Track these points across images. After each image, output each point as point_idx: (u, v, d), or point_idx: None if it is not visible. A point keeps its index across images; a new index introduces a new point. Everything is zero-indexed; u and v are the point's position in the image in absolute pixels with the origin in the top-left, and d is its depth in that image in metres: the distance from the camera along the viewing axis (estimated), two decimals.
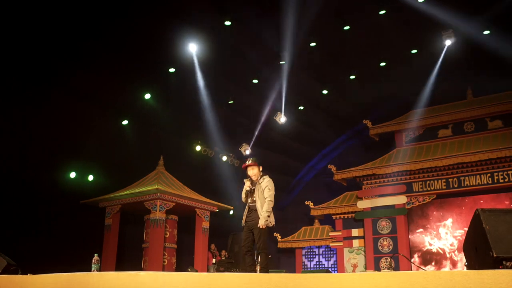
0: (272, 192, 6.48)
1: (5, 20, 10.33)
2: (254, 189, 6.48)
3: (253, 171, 6.58)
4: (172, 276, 4.07)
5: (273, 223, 6.49)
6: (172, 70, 13.90)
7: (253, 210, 6.43)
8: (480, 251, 3.19)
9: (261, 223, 6.25)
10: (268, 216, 6.35)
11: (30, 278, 4.92)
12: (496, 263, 3.00)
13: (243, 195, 6.60)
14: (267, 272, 6.12)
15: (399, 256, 14.61)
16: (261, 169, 6.68)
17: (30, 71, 11.51)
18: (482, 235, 3.14)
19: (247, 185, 6.53)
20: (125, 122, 14.34)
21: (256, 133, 17.07)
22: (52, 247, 11.91)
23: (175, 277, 4.02)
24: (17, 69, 11.30)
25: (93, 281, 4.44)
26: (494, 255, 3.01)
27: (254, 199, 6.43)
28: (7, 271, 5.60)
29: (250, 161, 6.63)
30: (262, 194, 6.41)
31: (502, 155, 14.15)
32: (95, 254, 5.56)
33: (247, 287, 3.52)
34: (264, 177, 6.59)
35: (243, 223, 6.53)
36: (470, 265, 3.40)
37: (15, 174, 12.00)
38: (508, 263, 2.99)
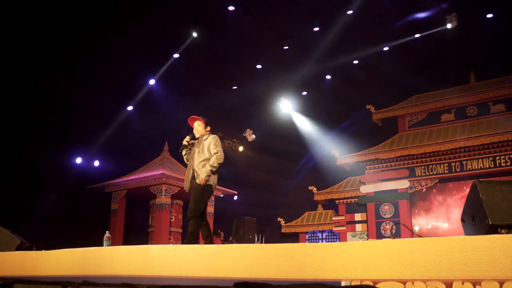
0: (220, 148, 5.98)
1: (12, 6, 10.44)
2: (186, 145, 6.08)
3: (197, 127, 6.15)
4: (182, 249, 4.23)
5: (215, 184, 5.98)
6: (176, 55, 14.00)
7: (191, 171, 5.97)
8: (476, 220, 3.34)
9: (202, 177, 5.75)
10: (212, 172, 5.83)
11: (44, 253, 5.11)
12: (492, 230, 3.15)
13: (183, 152, 6.14)
14: (195, 243, 5.68)
15: (401, 229, 14.80)
16: (208, 129, 6.24)
17: (35, 57, 11.63)
18: (479, 205, 3.29)
19: (186, 138, 6.10)
20: (130, 108, 14.49)
21: (259, 118, 17.19)
22: (59, 232, 12.14)
23: (185, 250, 4.18)
24: (22, 55, 11.42)
25: (107, 255, 4.61)
26: (490, 223, 3.16)
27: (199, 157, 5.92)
28: (20, 248, 5.80)
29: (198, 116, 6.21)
30: (204, 152, 5.94)
31: (504, 139, 14.21)
32: (107, 231, 5.74)
33: (254, 257, 3.68)
34: (207, 134, 6.15)
35: (187, 188, 6.01)
36: (468, 234, 3.56)
37: (22, 160, 12.20)
38: (502, 230, 3.14)
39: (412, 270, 3.04)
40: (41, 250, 5.59)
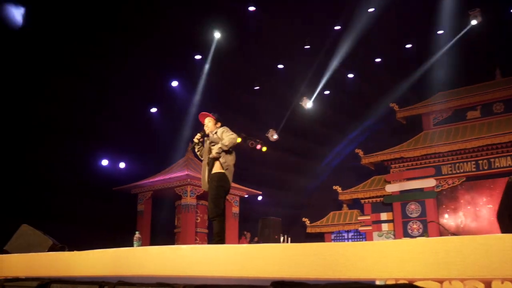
0: (232, 133, 5.80)
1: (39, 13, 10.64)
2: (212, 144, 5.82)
3: (208, 123, 5.97)
4: (212, 249, 4.25)
5: (230, 178, 5.79)
6: (198, 57, 14.08)
7: (210, 167, 5.77)
8: None
9: (213, 152, 5.62)
10: (225, 152, 5.67)
11: (77, 254, 5.18)
12: None
13: (195, 149, 6.00)
14: (223, 243, 5.52)
15: (428, 228, 14.64)
16: (218, 125, 6.01)
17: (61, 62, 11.84)
18: None
19: (197, 136, 5.92)
20: (154, 110, 14.63)
21: (282, 118, 17.17)
22: (87, 233, 12.30)
23: (215, 250, 4.19)
24: (48, 60, 11.63)
25: (138, 255, 4.66)
26: None
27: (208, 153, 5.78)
28: (53, 249, 5.89)
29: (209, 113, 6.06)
30: (216, 144, 5.73)
31: None
32: (137, 232, 5.79)
33: (286, 256, 3.67)
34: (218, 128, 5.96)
35: (205, 187, 5.86)
36: (504, 232, 3.48)
37: (50, 163, 12.41)
38: None
39: (449, 269, 2.99)
40: (72, 251, 5.68)
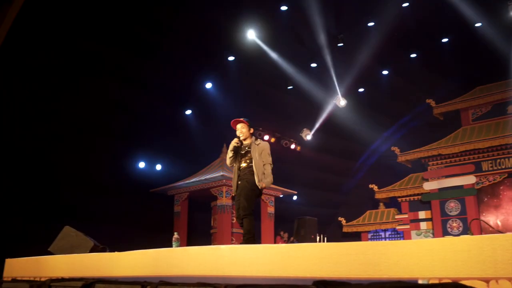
0: (270, 158, 6.05)
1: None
2: (248, 150, 5.97)
3: (242, 129, 6.05)
4: (251, 249, 4.27)
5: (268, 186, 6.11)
6: (231, 58, 14.15)
7: (245, 173, 5.92)
8: None
9: (266, 181, 5.89)
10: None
11: (118, 255, 5.29)
12: None
13: (230, 154, 5.98)
14: (254, 241, 5.79)
15: (468, 225, 14.28)
16: (251, 131, 6.19)
17: (97, 65, 12.11)
18: None
19: (235, 140, 5.98)
20: (188, 112, 14.80)
21: (316, 117, 17.09)
22: (125, 234, 12.53)
23: (254, 249, 4.21)
24: (87, 63, 11.93)
25: (177, 256, 4.73)
26: None
27: (248, 160, 5.93)
28: (94, 250, 6.03)
29: (242, 118, 6.12)
30: (260, 156, 5.92)
31: None
32: (175, 233, 5.87)
33: (325, 255, 3.65)
34: (259, 139, 6.15)
35: (234, 191, 6.00)
36: None
37: (88, 166, 12.72)
38: None
39: (496, 267, 2.92)
40: (113, 251, 5.80)
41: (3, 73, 10.06)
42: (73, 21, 11.03)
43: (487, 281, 2.93)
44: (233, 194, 6.04)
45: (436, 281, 3.10)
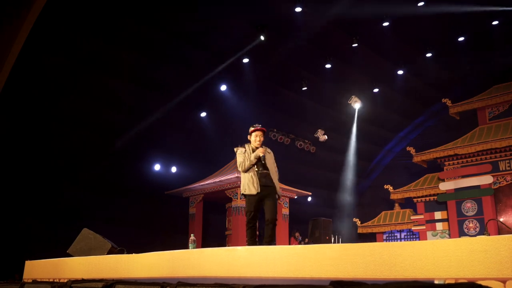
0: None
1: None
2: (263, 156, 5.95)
3: (261, 138, 6.08)
4: (267, 250, 4.29)
5: None
6: (246, 60, 14.20)
7: (265, 178, 5.92)
8: None
9: (279, 192, 6.04)
10: None
11: (135, 256, 5.36)
12: None
13: (253, 162, 5.88)
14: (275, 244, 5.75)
15: (486, 226, 14.14)
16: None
17: (114, 68, 12.25)
18: None
19: (262, 150, 5.92)
20: (203, 114, 14.89)
21: (331, 118, 17.08)
22: (142, 236, 12.67)
23: (270, 251, 4.24)
24: (104, 66, 12.07)
25: (194, 257, 4.77)
26: None
27: (267, 167, 5.96)
28: (112, 252, 6.12)
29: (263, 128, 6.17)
30: (273, 163, 6.06)
31: None
32: (192, 234, 5.93)
33: (341, 256, 3.68)
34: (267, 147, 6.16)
35: (256, 191, 5.84)
36: None
37: (106, 169, 12.88)
38: None
39: None
40: (130, 253, 5.88)
41: (19, 73, 10.21)
42: (91, 24, 11.18)
43: (504, 281, 2.93)
44: (256, 192, 5.84)
45: (452, 281, 3.10)
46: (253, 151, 5.96)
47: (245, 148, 6.03)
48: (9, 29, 9.17)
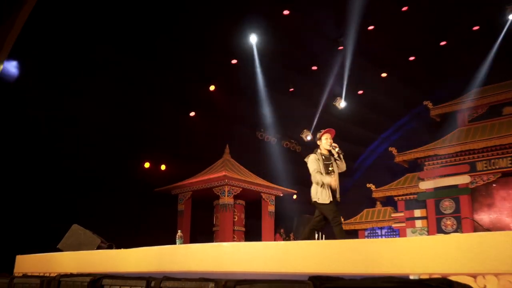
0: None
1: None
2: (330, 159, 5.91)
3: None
4: (251, 246, 4.33)
5: None
6: (234, 61, 14.20)
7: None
8: None
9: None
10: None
11: (123, 252, 5.36)
12: None
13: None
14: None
15: (462, 224, 14.38)
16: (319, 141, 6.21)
17: (104, 68, 12.18)
18: None
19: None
20: (192, 114, 14.86)
21: (317, 119, 17.12)
22: (131, 232, 12.59)
23: (255, 246, 4.27)
24: (95, 66, 11.99)
25: (180, 252, 4.79)
26: None
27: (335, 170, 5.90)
28: (101, 247, 6.10)
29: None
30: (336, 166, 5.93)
31: None
32: (179, 230, 5.94)
33: (321, 252, 3.72)
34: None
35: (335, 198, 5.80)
36: None
37: (97, 167, 12.78)
38: None
39: (484, 264, 2.98)
40: (119, 248, 5.87)
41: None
42: (82, 24, 11.09)
43: (474, 276, 2.99)
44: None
45: (427, 277, 3.16)
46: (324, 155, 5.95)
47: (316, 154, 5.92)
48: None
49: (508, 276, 2.87)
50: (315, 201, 5.79)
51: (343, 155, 5.91)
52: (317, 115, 17.19)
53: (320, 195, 5.72)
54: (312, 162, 5.84)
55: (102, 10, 10.99)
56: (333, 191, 5.78)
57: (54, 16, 10.24)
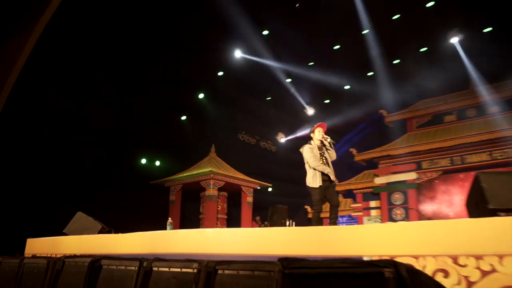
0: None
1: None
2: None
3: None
4: (231, 231, 4.30)
5: None
6: (220, 73, 14.18)
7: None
8: (479, 205, 3.28)
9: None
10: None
11: (121, 236, 5.28)
12: (492, 214, 3.10)
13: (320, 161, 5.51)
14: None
15: (409, 213, 14.57)
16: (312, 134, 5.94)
17: (109, 76, 12.02)
18: (481, 192, 3.23)
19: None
20: (183, 118, 14.76)
21: (290, 123, 17.18)
22: (128, 218, 12.42)
23: (234, 232, 4.25)
24: (104, 75, 11.83)
25: (171, 237, 4.74)
26: (491, 207, 3.11)
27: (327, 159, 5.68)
28: (102, 232, 6.00)
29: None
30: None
31: (499, 136, 13.74)
32: (169, 218, 5.88)
33: (290, 237, 3.72)
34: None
35: (329, 172, 5.55)
36: (472, 217, 3.50)
37: (100, 163, 12.61)
38: (501, 213, 3.08)
39: (424, 247, 3.03)
40: (117, 233, 5.78)
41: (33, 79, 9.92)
42: (85, 31, 10.91)
43: (416, 257, 3.03)
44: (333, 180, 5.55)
45: (377, 258, 3.19)
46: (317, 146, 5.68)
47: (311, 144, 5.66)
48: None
49: (443, 257, 2.93)
50: (308, 185, 5.63)
51: (334, 144, 5.72)
52: (290, 120, 17.26)
53: (311, 179, 5.54)
54: (307, 151, 5.67)
55: (104, 18, 10.82)
56: (324, 177, 5.58)
57: (60, 26, 10.01)
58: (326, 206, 5.80)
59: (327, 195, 5.57)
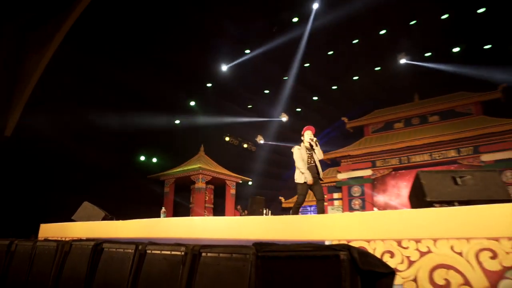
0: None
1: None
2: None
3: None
4: (217, 220, 4.28)
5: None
6: (209, 84, 14.12)
7: (314, 168, 5.29)
8: (419, 198, 3.37)
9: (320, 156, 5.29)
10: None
11: (121, 223, 5.21)
12: (429, 205, 3.19)
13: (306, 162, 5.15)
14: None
15: (366, 204, 14.72)
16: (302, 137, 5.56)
17: (110, 83, 11.81)
18: (420, 187, 3.31)
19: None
20: (177, 122, 14.64)
21: (268, 127, 17.23)
22: (128, 208, 12.23)
23: (219, 220, 4.24)
24: (111, 88, 11.61)
25: (164, 224, 4.70)
26: (428, 200, 3.20)
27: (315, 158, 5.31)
28: (105, 219, 5.91)
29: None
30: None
31: (438, 140, 14.10)
32: (163, 207, 5.83)
33: (264, 224, 3.74)
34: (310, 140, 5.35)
35: (310, 181, 5.09)
36: (413, 207, 3.59)
37: (105, 159, 12.39)
38: (436, 205, 3.17)
39: (374, 232, 3.09)
40: (118, 220, 5.70)
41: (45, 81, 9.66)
42: (94, 45, 10.70)
43: (368, 241, 3.10)
44: (311, 183, 5.12)
45: (336, 242, 3.24)
46: (306, 147, 5.36)
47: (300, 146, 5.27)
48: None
49: (390, 241, 3.00)
50: (295, 181, 5.32)
51: (319, 143, 5.37)
52: (268, 125, 17.31)
53: (297, 176, 5.26)
54: (296, 152, 5.36)
55: (104, 28, 10.62)
56: (313, 174, 5.20)
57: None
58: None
59: (313, 189, 5.22)
